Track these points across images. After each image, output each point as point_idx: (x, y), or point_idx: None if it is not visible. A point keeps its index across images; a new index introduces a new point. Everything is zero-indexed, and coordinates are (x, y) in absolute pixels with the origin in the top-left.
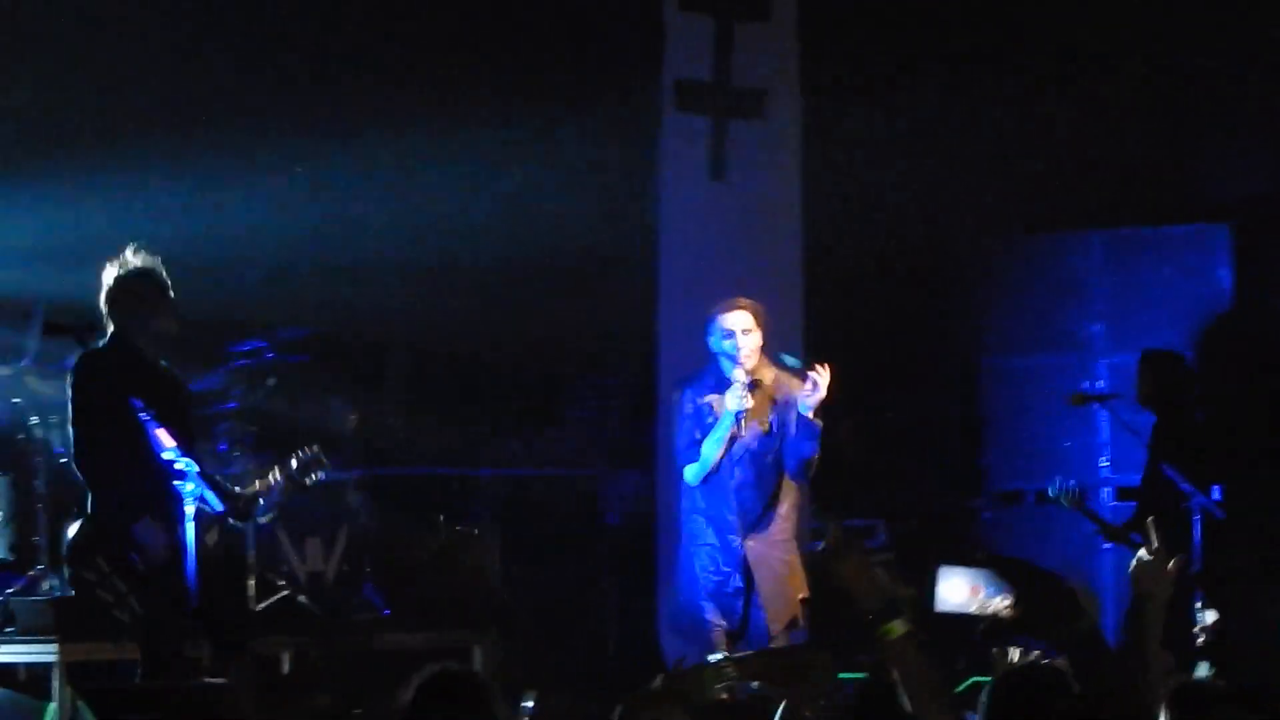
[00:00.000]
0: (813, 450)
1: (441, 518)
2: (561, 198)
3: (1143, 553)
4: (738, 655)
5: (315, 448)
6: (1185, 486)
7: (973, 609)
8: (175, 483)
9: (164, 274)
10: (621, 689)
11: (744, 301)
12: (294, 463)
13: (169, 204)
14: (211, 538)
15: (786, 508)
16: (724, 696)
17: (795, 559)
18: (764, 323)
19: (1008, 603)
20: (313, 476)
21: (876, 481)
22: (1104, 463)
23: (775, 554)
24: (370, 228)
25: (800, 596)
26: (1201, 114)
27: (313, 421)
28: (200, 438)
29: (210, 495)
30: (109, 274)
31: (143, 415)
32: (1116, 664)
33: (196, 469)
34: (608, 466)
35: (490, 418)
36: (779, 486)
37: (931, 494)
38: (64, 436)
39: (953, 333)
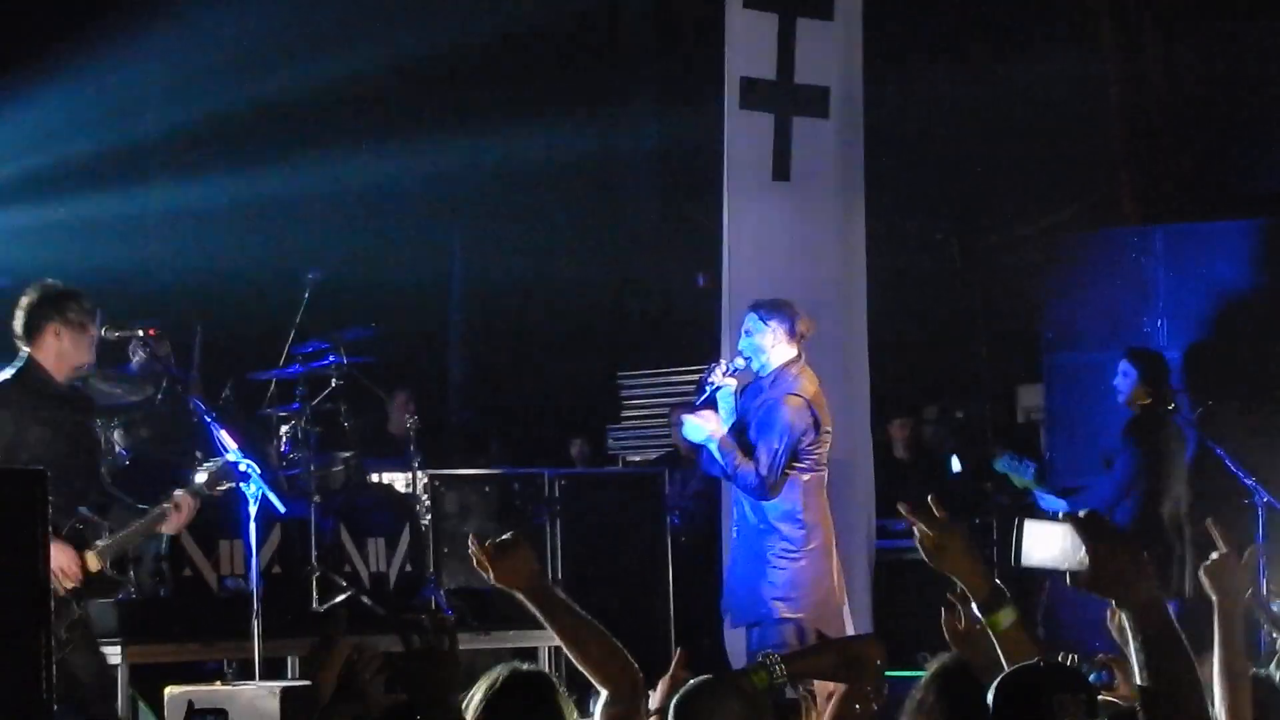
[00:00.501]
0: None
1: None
2: (624, 197)
3: (1214, 553)
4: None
5: (219, 461)
6: (1248, 481)
7: (1060, 565)
8: (240, 485)
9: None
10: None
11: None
12: (202, 477)
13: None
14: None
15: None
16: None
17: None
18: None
19: (1082, 557)
20: (222, 487)
21: (936, 478)
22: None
23: None
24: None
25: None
26: (1263, 108)
27: (375, 422)
28: (263, 438)
29: (273, 496)
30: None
31: (206, 418)
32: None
33: (259, 471)
34: (671, 465)
35: (553, 417)
36: None
37: (995, 491)
38: (126, 438)
39: (1017, 330)
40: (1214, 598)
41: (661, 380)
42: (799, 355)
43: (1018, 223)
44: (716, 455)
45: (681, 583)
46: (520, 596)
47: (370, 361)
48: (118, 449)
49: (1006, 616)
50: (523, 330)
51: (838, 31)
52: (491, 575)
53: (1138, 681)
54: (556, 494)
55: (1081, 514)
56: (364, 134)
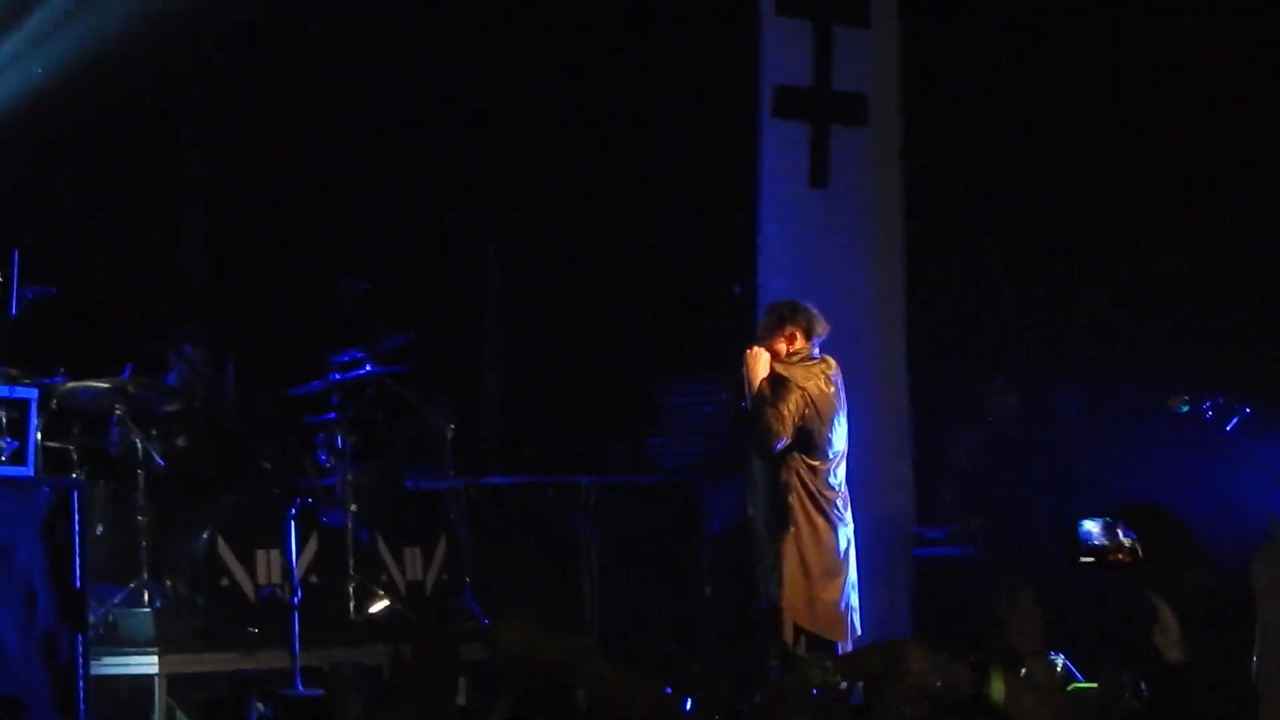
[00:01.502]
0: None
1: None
2: (661, 205)
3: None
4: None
5: None
6: None
7: (1112, 556)
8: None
9: None
10: (723, 698)
11: None
12: None
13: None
14: None
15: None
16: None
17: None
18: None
19: (1132, 547)
20: None
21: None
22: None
23: None
24: (469, 236)
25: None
26: None
27: (411, 431)
28: (301, 448)
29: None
30: None
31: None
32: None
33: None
34: (709, 474)
35: (590, 425)
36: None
37: (1033, 499)
38: (164, 448)
39: (1055, 336)
40: (1257, 590)
41: (698, 388)
42: (804, 348)
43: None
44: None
45: (719, 591)
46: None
47: (406, 370)
48: (155, 458)
49: (998, 689)
50: (558, 338)
51: (875, 38)
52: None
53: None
54: (593, 502)
55: (1131, 506)
56: (399, 142)
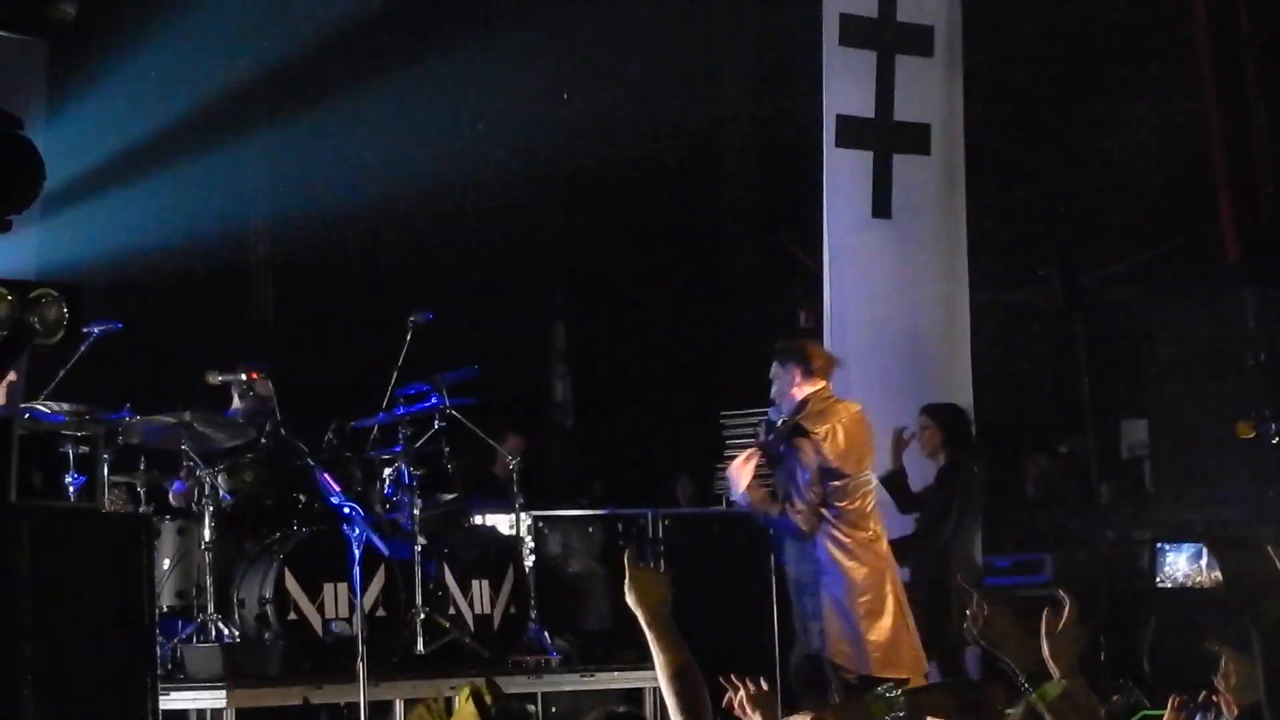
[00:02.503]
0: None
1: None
2: (726, 237)
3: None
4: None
5: None
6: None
7: (1195, 582)
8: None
9: None
10: None
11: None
12: None
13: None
14: None
15: None
16: None
17: None
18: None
19: (1216, 575)
20: None
21: (1044, 514)
22: (1273, 492)
23: None
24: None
25: None
26: None
27: (477, 464)
28: (367, 481)
29: (376, 539)
30: None
31: (310, 460)
32: None
33: (362, 513)
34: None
35: (657, 457)
36: None
37: (1100, 525)
38: (229, 482)
39: (1123, 362)
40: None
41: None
42: (819, 391)
43: (1120, 258)
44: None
45: (787, 621)
46: (642, 620)
47: (472, 403)
48: (221, 493)
49: (1054, 688)
50: (624, 370)
51: (938, 68)
52: (628, 589)
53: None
54: (661, 534)
55: (1217, 535)
56: (468, 178)
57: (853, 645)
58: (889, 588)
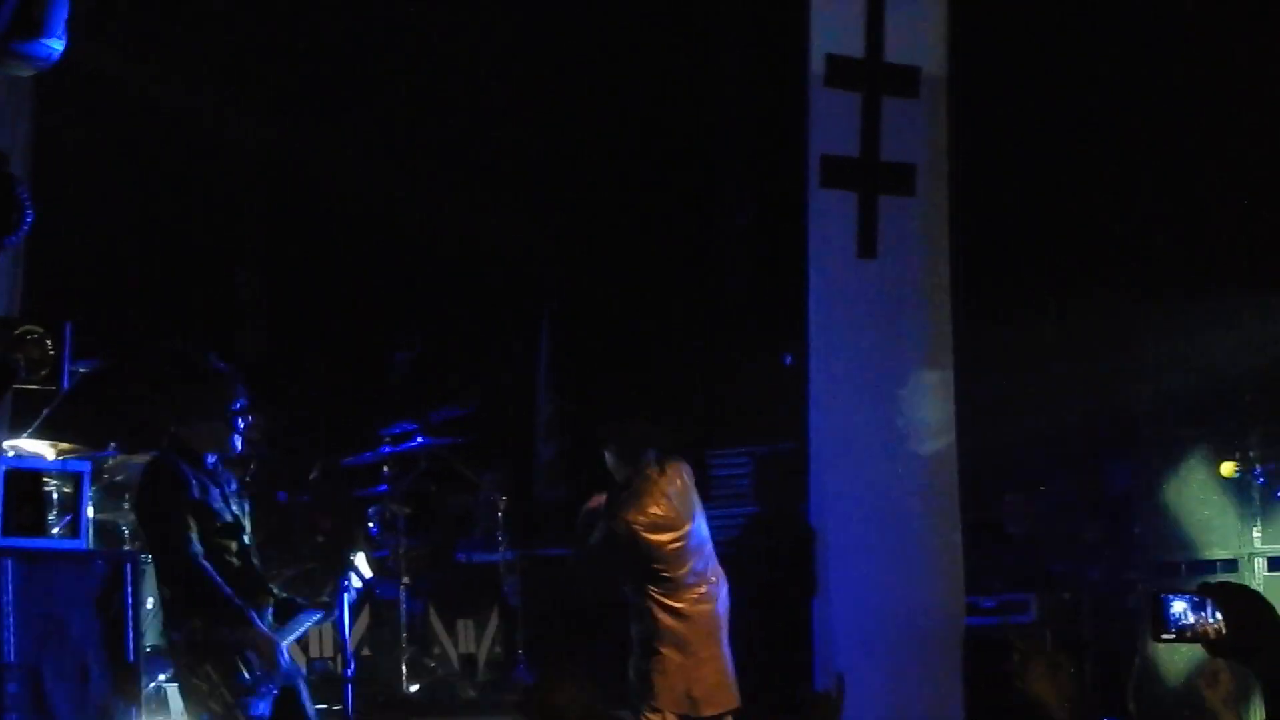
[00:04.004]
0: None
1: None
2: (712, 277)
3: None
4: None
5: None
6: None
7: (1198, 633)
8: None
9: None
10: None
11: None
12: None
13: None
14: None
15: None
16: None
17: None
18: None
19: (1218, 624)
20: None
21: (1030, 555)
22: (1257, 533)
23: None
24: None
25: None
26: None
27: (463, 503)
28: (354, 520)
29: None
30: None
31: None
32: None
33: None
34: (763, 541)
35: None
36: None
37: (1086, 567)
38: None
39: (1108, 403)
40: None
41: (750, 459)
42: (640, 471)
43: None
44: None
45: (765, 652)
46: None
47: (459, 442)
48: None
49: None
50: (610, 409)
51: (923, 109)
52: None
53: None
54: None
55: (1218, 584)
56: (453, 214)
57: (683, 696)
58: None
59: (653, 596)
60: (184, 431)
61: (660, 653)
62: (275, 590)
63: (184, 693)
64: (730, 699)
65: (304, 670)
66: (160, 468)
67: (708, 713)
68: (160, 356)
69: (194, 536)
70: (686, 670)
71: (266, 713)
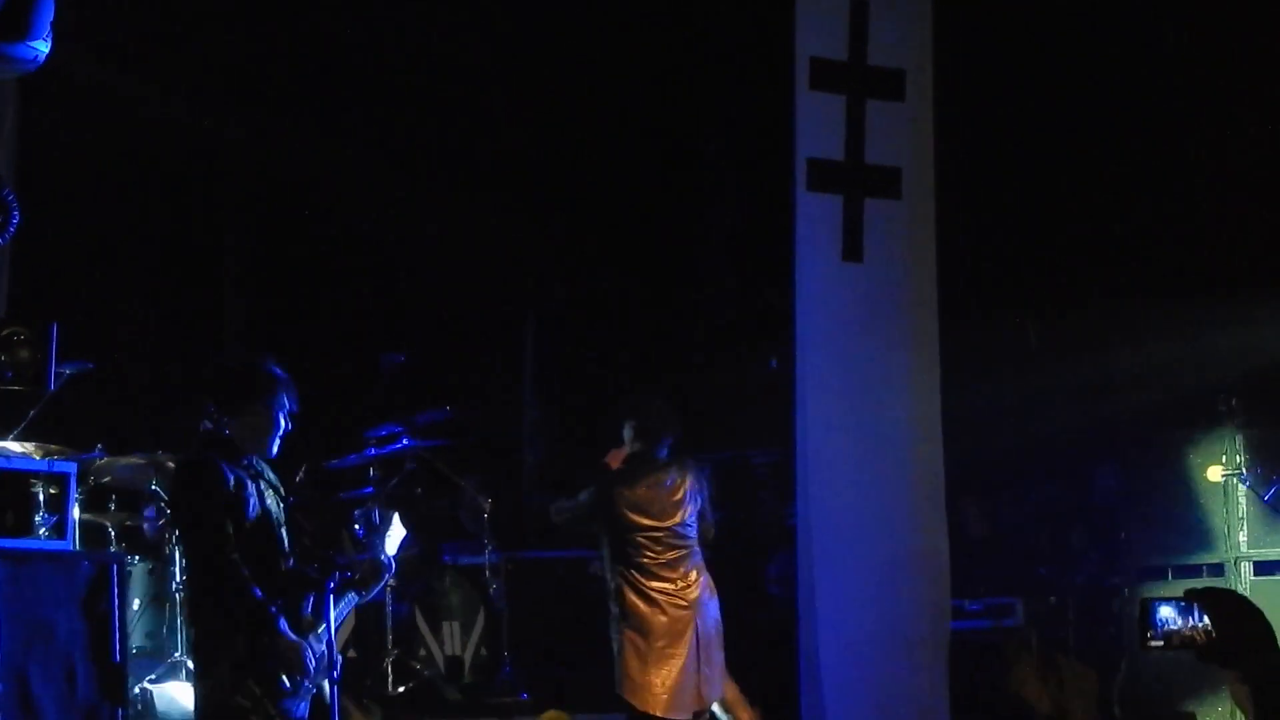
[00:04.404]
0: None
1: None
2: (697, 280)
3: None
4: None
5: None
6: None
7: (1185, 638)
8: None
9: None
10: None
11: None
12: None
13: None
14: None
15: None
16: None
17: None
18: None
19: (1205, 627)
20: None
21: (1015, 559)
22: (1243, 537)
23: None
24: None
25: None
26: None
27: (449, 505)
28: (337, 523)
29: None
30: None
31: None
32: None
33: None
34: (753, 545)
35: None
36: None
37: (1071, 570)
38: None
39: (1093, 408)
40: None
41: (736, 464)
42: (649, 452)
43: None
44: None
45: (759, 662)
46: None
47: (444, 444)
48: None
49: None
50: (595, 412)
51: (909, 112)
52: None
53: None
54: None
55: (1205, 590)
56: (438, 219)
57: (643, 688)
58: (688, 634)
59: (624, 575)
60: (232, 424)
61: (624, 634)
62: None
63: (216, 709)
64: (686, 709)
65: (340, 659)
66: (197, 469)
67: (658, 711)
68: (220, 356)
69: (229, 539)
70: (646, 659)
71: (305, 714)
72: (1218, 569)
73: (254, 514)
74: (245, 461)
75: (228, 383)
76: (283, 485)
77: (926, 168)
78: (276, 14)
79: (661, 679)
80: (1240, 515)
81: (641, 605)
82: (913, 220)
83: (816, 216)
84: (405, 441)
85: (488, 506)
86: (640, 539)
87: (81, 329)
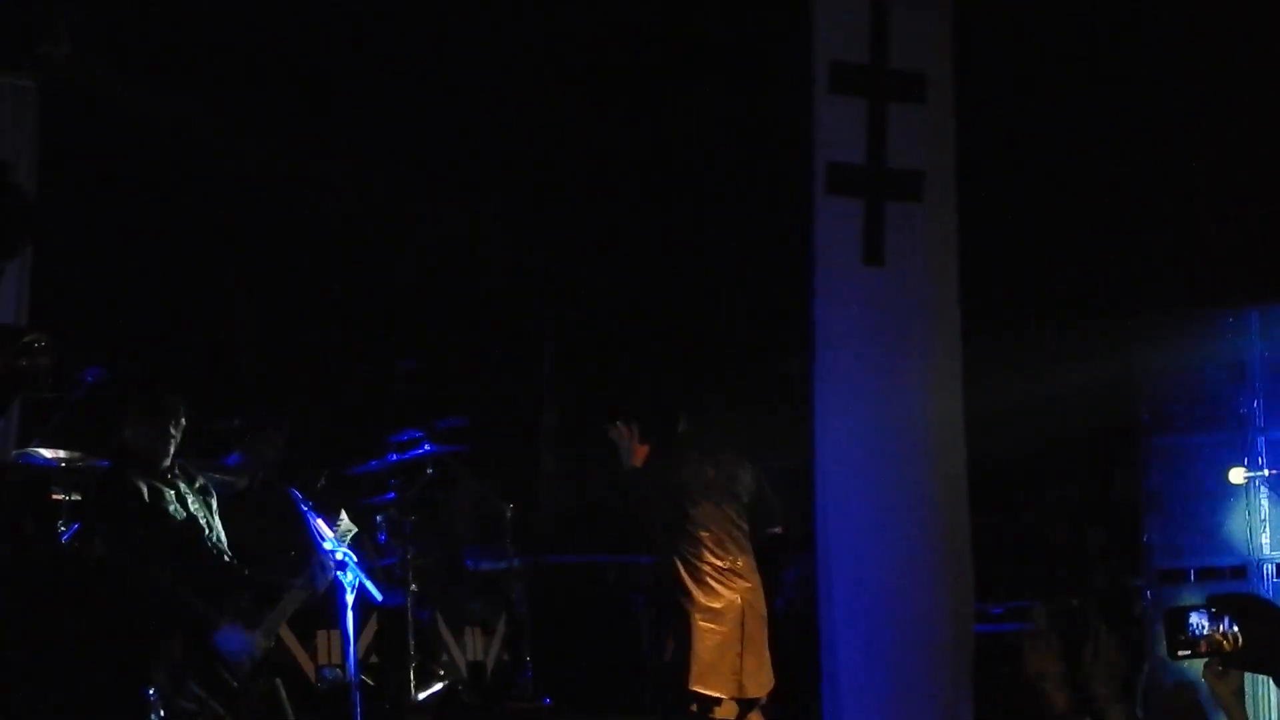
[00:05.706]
0: None
1: None
2: (717, 284)
3: None
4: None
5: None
6: None
7: (1213, 645)
8: (336, 573)
9: None
10: None
11: None
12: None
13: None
14: None
15: None
16: None
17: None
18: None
19: (1233, 633)
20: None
21: (1036, 561)
22: (1265, 539)
23: None
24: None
25: None
26: None
27: (470, 511)
28: (360, 528)
29: (370, 584)
30: None
31: (303, 506)
32: None
33: (356, 559)
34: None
35: None
36: None
37: (1092, 573)
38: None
39: (1113, 411)
40: None
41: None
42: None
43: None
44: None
45: (778, 667)
46: None
47: (465, 450)
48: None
49: None
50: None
51: (930, 115)
52: None
53: None
54: (653, 581)
55: (1230, 596)
56: (457, 224)
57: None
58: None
59: (677, 550)
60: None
61: (693, 621)
62: (249, 575)
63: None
64: (730, 690)
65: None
66: (109, 481)
67: (748, 693)
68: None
69: (144, 547)
70: (702, 635)
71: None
72: (1240, 571)
73: (177, 519)
74: (158, 470)
75: (131, 399)
76: (305, 490)
77: (948, 170)
78: (299, 24)
79: (744, 659)
80: (1262, 518)
81: (694, 585)
82: (934, 223)
83: (837, 220)
84: (426, 447)
85: (509, 511)
86: (699, 523)
87: (102, 336)
